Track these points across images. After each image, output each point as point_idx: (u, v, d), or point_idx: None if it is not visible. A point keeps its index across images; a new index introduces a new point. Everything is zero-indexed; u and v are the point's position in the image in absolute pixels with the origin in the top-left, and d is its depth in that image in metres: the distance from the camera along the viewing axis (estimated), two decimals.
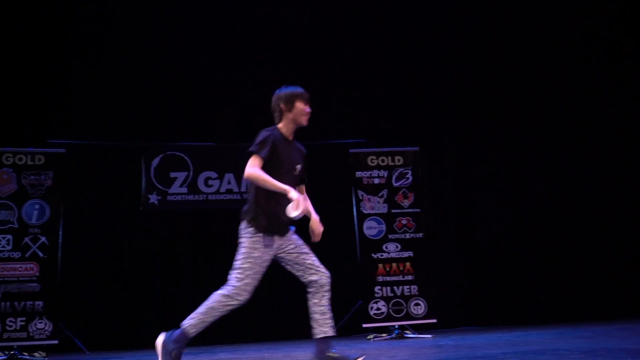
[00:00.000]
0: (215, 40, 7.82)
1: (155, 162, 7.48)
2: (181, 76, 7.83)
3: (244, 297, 3.82)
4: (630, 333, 5.51)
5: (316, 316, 4.02)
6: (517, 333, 6.29)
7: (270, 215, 3.89)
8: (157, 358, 3.82)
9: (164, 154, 7.52)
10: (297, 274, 4.05)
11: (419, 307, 7.01)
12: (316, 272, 4.06)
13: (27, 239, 6.48)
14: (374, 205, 7.14)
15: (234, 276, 3.85)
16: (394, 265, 7.06)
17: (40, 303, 6.38)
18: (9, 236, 6.44)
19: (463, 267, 8.08)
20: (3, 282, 6.34)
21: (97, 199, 7.51)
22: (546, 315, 7.59)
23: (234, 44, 7.89)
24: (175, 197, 7.50)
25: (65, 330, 6.66)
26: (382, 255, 7.06)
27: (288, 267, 4.06)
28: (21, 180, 6.56)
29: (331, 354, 3.97)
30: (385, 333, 6.93)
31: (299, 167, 4.13)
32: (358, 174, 7.19)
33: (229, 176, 7.68)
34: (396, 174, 7.26)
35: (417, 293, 7.04)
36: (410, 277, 7.06)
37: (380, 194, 7.19)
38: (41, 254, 6.48)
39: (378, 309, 6.92)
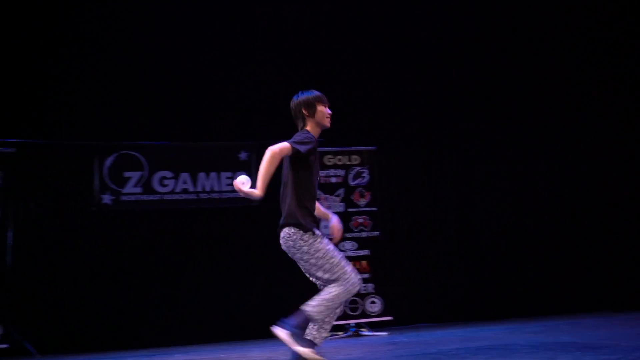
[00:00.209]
0: (170, 37, 7.73)
1: (108, 161, 7.36)
2: (135, 74, 7.71)
3: (358, 278, 3.80)
4: (578, 327, 5.68)
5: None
6: (470, 329, 6.40)
7: (306, 212, 3.95)
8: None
9: (118, 153, 7.40)
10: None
11: (374, 305, 7.08)
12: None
13: None
14: (330, 204, 7.17)
15: (335, 273, 3.77)
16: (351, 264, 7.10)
17: None
18: None
19: (418, 264, 8.18)
20: None
21: (49, 200, 7.33)
22: (498, 311, 7.76)
23: (189, 42, 7.82)
24: (129, 197, 7.39)
25: (15, 333, 6.50)
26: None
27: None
28: None
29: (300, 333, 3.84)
30: (341, 331, 6.96)
31: (318, 168, 4.13)
32: None
33: (184, 176, 7.60)
34: (353, 173, 7.31)
35: (373, 291, 7.10)
36: (366, 276, 7.11)
37: (337, 193, 7.23)
38: None
39: None
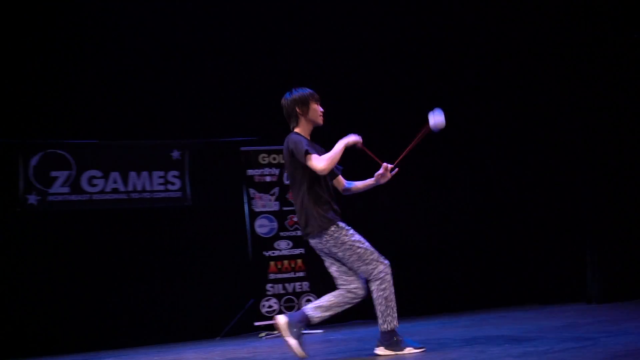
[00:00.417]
0: (99, 31, 7.48)
1: (34, 160, 7.10)
2: (62, 69, 7.45)
3: (386, 262, 3.94)
4: (506, 320, 5.86)
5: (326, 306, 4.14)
6: (404, 324, 6.49)
7: (330, 205, 3.97)
8: None
9: (44, 152, 7.15)
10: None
11: (310, 303, 7.08)
12: None
13: None
14: (265, 203, 7.15)
15: (365, 266, 3.88)
16: (286, 262, 7.11)
17: None
18: None
19: None
20: None
21: None
22: (430, 306, 7.93)
23: (119, 37, 7.60)
24: (56, 198, 7.15)
25: None
26: (273, 253, 7.08)
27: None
28: None
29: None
30: (277, 330, 6.93)
31: None
32: (249, 172, 7.17)
33: (114, 175, 7.42)
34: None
35: (308, 289, 7.12)
36: (301, 274, 7.13)
37: (271, 192, 7.21)
38: None
39: (270, 306, 6.93)
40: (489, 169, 8.61)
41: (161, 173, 7.61)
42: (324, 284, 7.31)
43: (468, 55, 8.31)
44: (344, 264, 4.00)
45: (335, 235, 3.92)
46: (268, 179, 7.23)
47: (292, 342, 3.90)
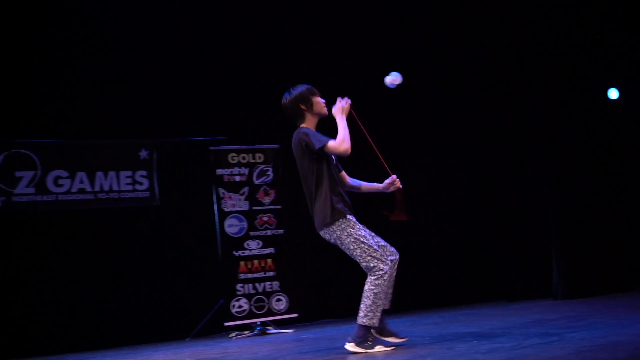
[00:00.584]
0: (65, 29, 7.36)
1: None
2: (27, 67, 7.31)
3: (389, 263, 3.97)
4: (475, 317, 5.94)
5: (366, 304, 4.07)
6: None
7: (339, 198, 4.04)
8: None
9: (8, 152, 7.01)
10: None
11: (280, 303, 7.09)
12: (390, 254, 4.17)
13: None
14: (235, 202, 7.12)
15: (366, 262, 3.96)
16: (256, 262, 7.09)
17: None
18: None
19: (322, 261, 8.27)
20: None
21: None
22: (398, 304, 7.95)
23: (86, 36, 7.49)
24: (21, 199, 7.01)
25: None
26: (243, 253, 7.05)
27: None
28: None
29: (384, 324, 4.17)
30: (247, 330, 6.94)
31: (334, 157, 4.23)
32: (219, 171, 7.13)
33: (80, 175, 7.30)
34: (257, 171, 7.29)
35: (278, 289, 7.12)
36: (271, 274, 7.11)
37: (241, 192, 7.18)
38: None
39: (240, 306, 6.91)
40: (453, 168, 8.70)
41: (129, 173, 7.52)
42: (294, 283, 7.35)
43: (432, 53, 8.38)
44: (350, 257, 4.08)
45: (342, 226, 4.00)
46: (238, 178, 7.20)
47: (377, 349, 3.94)
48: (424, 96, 8.45)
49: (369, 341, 3.97)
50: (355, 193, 4.42)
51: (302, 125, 4.21)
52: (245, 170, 7.23)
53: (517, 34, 7.53)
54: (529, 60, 7.53)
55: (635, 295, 6.26)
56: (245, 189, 7.19)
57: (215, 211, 7.07)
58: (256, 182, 7.26)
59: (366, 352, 3.94)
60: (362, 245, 3.97)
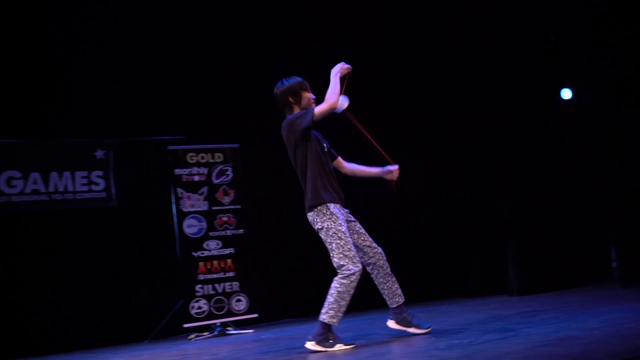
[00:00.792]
0: (19, 26, 7.16)
1: None
2: None
3: (359, 266, 4.01)
4: (433, 314, 6.02)
5: (385, 292, 4.29)
6: None
7: (325, 184, 4.10)
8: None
9: None
10: None
11: (240, 303, 7.06)
12: (373, 255, 4.27)
13: None
14: (194, 202, 7.05)
15: (338, 258, 4.02)
16: (215, 262, 7.03)
17: None
18: None
19: (282, 261, 8.27)
20: None
21: None
22: (359, 302, 8.00)
23: (40, 32, 7.31)
24: None
25: None
26: (203, 253, 6.99)
27: None
28: None
29: (406, 315, 4.25)
30: (206, 331, 6.88)
31: (325, 145, 4.32)
32: (177, 171, 7.05)
33: (34, 175, 7.13)
34: (216, 170, 7.23)
35: (238, 289, 7.08)
36: (231, 274, 7.07)
37: (200, 192, 7.12)
38: None
39: (199, 307, 6.85)
40: (410, 165, 8.77)
41: (84, 173, 7.38)
42: (254, 283, 7.32)
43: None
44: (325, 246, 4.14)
45: (325, 217, 4.06)
46: (196, 178, 7.13)
47: (335, 348, 3.99)
48: (380, 96, 8.50)
49: (330, 340, 3.99)
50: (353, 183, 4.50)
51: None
52: (204, 170, 7.17)
53: (474, 35, 7.65)
54: (484, 61, 7.66)
55: (587, 291, 6.43)
56: (205, 189, 7.13)
57: (174, 211, 6.99)
58: (215, 181, 7.20)
59: (326, 351, 3.96)
60: (339, 241, 4.02)
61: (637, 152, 6.22)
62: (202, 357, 4.83)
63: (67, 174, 7.29)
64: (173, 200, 7.00)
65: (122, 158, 7.59)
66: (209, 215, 7.08)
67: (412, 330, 4.21)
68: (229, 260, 7.10)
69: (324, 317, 3.99)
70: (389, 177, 4.49)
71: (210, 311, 6.89)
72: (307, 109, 4.21)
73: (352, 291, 4.03)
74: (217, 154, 7.26)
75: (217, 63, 7.98)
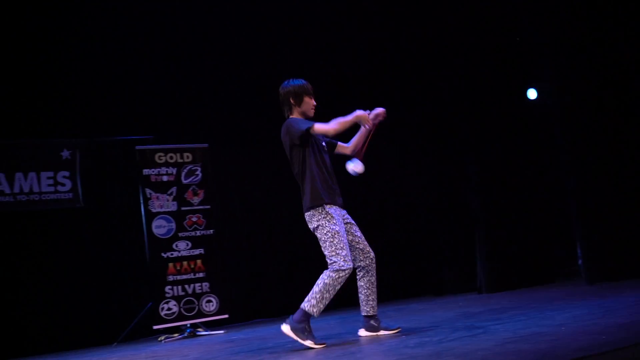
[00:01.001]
0: None
1: None
2: None
3: (349, 264, 4.04)
4: (403, 312, 6.06)
5: (362, 297, 4.29)
6: None
7: (323, 186, 4.13)
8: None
9: None
10: None
11: (210, 304, 7.01)
12: (364, 259, 4.29)
13: None
14: (162, 203, 6.98)
15: (330, 255, 4.05)
16: (185, 263, 6.97)
17: None
18: None
19: (252, 261, 8.24)
20: None
21: None
22: (329, 303, 8.02)
23: (4, 32, 7.16)
24: None
25: None
26: (172, 254, 6.92)
27: None
28: None
29: (374, 322, 4.29)
30: (177, 333, 6.81)
31: (323, 143, 4.37)
32: (145, 171, 6.97)
33: None
34: (185, 170, 7.17)
35: (208, 290, 7.03)
36: (201, 275, 7.02)
37: (169, 192, 7.05)
38: None
39: (169, 309, 6.78)
40: (380, 165, 8.82)
41: (50, 174, 7.25)
42: (224, 284, 7.28)
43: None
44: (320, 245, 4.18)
45: (320, 216, 4.12)
46: (165, 178, 7.06)
47: (307, 343, 4.03)
48: (348, 93, 8.52)
49: (305, 332, 4.02)
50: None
51: (291, 116, 4.34)
52: (173, 170, 7.10)
53: (443, 35, 7.72)
54: (452, 60, 7.73)
55: (554, 288, 6.53)
56: (173, 189, 7.07)
57: (142, 212, 6.91)
58: (184, 182, 7.14)
59: (297, 340, 4.02)
60: (332, 239, 4.06)
61: (600, 152, 6.33)
62: (172, 358, 4.79)
63: (32, 174, 7.16)
64: (141, 201, 6.92)
65: (89, 158, 7.48)
66: (178, 216, 7.02)
67: (381, 332, 4.22)
68: (198, 261, 7.04)
69: (305, 304, 4.04)
70: (369, 122, 4.28)
71: (180, 312, 6.83)
72: (308, 118, 4.30)
73: (337, 287, 4.06)
74: (186, 154, 7.20)
75: (185, 62, 7.91)
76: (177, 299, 6.84)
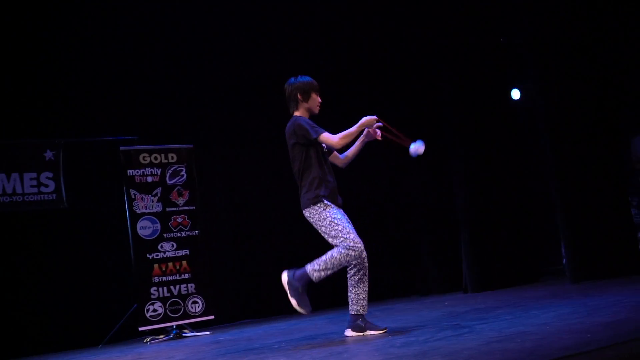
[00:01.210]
0: None
1: None
2: None
3: (360, 244, 4.10)
4: (390, 312, 6.08)
5: (352, 295, 4.25)
6: (291, 322, 6.57)
7: (325, 184, 4.19)
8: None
9: None
10: None
11: (196, 305, 6.98)
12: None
13: None
14: (147, 204, 6.94)
15: (339, 240, 4.09)
16: (170, 264, 6.94)
17: None
18: None
19: (238, 262, 8.22)
20: None
21: None
22: (317, 302, 8.02)
23: None
24: None
25: None
26: (157, 255, 6.89)
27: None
28: None
29: (360, 322, 4.27)
30: (162, 334, 6.78)
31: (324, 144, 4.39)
32: (130, 172, 6.93)
33: None
34: (170, 171, 7.14)
35: (194, 291, 7.00)
36: (187, 276, 6.99)
37: (154, 193, 7.01)
38: None
39: (155, 310, 6.75)
40: (366, 165, 8.82)
41: (33, 175, 7.19)
42: (210, 285, 7.25)
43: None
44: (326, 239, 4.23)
45: (320, 210, 4.16)
46: (150, 179, 7.02)
47: (293, 301, 4.12)
48: (332, 94, 8.52)
49: (297, 291, 4.10)
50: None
51: (296, 113, 4.37)
52: (158, 171, 7.06)
53: (427, 36, 7.74)
54: (435, 61, 7.75)
55: (539, 288, 6.58)
56: (158, 190, 7.03)
57: (127, 213, 6.87)
58: (169, 182, 7.11)
59: (290, 297, 4.12)
60: (337, 226, 4.12)
61: (583, 151, 6.39)
62: None
63: (15, 175, 7.09)
64: (126, 202, 6.88)
65: (73, 159, 7.42)
66: (163, 217, 6.99)
67: (368, 332, 4.23)
68: (184, 262, 7.01)
69: (308, 266, 4.12)
70: (368, 139, 4.47)
71: (165, 314, 6.79)
72: (313, 115, 4.37)
73: (343, 264, 4.11)
74: (170, 155, 7.17)
75: (169, 63, 7.88)
76: (163, 300, 6.81)
